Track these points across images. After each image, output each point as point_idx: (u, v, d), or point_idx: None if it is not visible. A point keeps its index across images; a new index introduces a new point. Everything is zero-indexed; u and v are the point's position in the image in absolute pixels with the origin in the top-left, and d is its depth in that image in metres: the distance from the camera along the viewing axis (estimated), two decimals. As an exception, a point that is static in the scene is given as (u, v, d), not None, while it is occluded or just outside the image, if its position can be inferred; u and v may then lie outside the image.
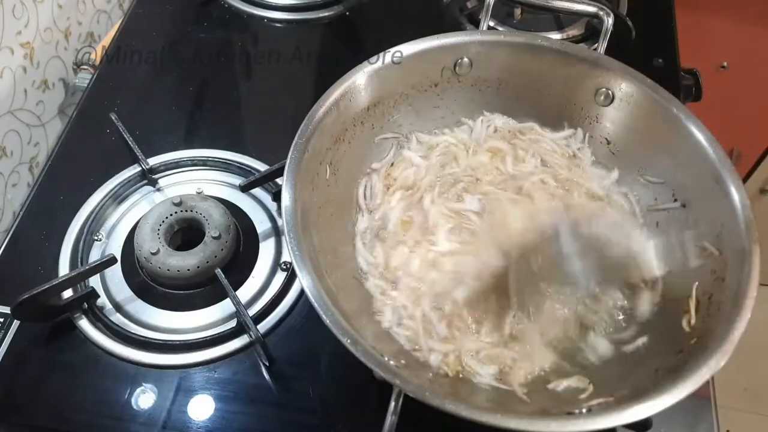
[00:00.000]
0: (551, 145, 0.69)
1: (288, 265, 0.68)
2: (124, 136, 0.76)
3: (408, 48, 0.65)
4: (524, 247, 0.60)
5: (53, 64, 0.87)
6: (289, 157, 0.56)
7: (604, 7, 0.74)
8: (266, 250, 0.69)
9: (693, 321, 0.55)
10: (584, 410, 0.50)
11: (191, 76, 0.86)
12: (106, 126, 0.78)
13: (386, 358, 0.50)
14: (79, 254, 0.68)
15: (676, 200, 0.62)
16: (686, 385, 0.46)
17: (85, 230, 0.69)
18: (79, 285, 0.65)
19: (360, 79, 0.63)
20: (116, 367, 0.62)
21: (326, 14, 0.94)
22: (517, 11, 0.90)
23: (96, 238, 0.70)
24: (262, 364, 0.62)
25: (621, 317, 0.59)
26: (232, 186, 0.74)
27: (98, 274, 0.66)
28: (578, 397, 0.52)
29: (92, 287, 0.65)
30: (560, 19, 0.91)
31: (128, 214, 0.72)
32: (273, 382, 0.62)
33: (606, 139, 0.68)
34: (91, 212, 0.71)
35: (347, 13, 0.95)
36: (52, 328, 0.64)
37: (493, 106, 0.70)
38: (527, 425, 0.45)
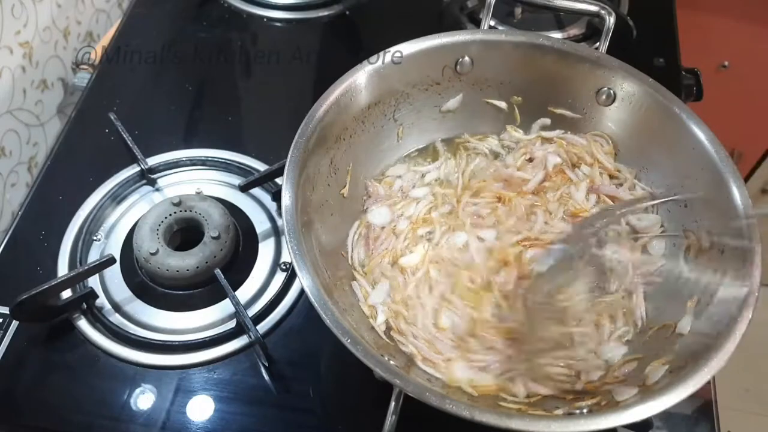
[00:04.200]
0: None
1: (288, 265, 0.68)
2: (123, 136, 0.76)
3: (408, 47, 0.65)
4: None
5: (52, 63, 0.87)
6: (289, 156, 0.56)
7: (605, 6, 0.74)
8: (266, 251, 0.69)
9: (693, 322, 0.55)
10: (584, 410, 0.50)
11: (190, 75, 0.86)
12: (105, 126, 0.78)
13: (386, 358, 0.50)
14: (78, 254, 0.68)
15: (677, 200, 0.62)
16: (687, 386, 0.46)
17: (84, 230, 0.69)
18: (77, 285, 0.65)
19: (360, 79, 0.63)
20: (115, 368, 0.61)
21: (326, 13, 0.94)
22: (518, 10, 0.90)
23: (95, 238, 0.70)
24: (261, 365, 0.62)
25: None
26: (232, 186, 0.74)
27: (97, 275, 0.66)
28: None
29: (91, 287, 0.65)
30: (561, 18, 0.90)
31: (127, 214, 0.72)
32: (272, 382, 0.62)
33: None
34: (90, 212, 0.70)
35: (347, 13, 0.94)
36: (51, 328, 0.64)
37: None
38: (527, 425, 0.45)
